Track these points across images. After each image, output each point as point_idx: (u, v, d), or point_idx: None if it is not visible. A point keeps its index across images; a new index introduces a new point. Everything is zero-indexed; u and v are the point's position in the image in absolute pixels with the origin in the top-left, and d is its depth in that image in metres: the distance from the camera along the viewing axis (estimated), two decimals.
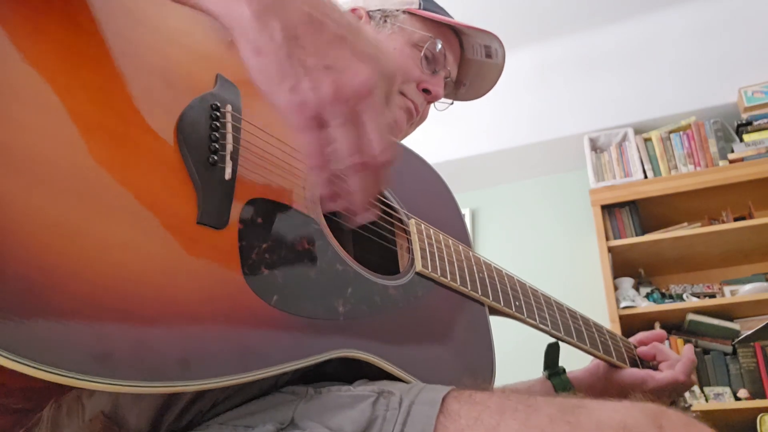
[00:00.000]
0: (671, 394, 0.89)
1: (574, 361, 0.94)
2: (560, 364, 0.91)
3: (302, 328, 0.50)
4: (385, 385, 0.52)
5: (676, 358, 0.89)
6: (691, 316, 2.52)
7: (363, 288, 0.59)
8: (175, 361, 0.40)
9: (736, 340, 2.43)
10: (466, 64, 1.01)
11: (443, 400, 0.48)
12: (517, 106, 3.23)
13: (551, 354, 0.91)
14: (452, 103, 1.05)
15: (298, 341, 0.49)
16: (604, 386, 0.89)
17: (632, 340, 0.96)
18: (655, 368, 0.91)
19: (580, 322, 0.86)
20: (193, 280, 0.45)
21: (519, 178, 3.37)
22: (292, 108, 0.44)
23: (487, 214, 3.36)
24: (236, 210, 0.51)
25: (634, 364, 0.90)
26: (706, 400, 2.36)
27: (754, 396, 2.34)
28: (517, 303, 0.78)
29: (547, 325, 0.79)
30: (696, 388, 2.40)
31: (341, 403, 0.49)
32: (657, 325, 2.56)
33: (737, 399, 2.35)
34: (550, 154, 3.17)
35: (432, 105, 0.98)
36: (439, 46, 0.92)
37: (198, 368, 0.41)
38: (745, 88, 2.72)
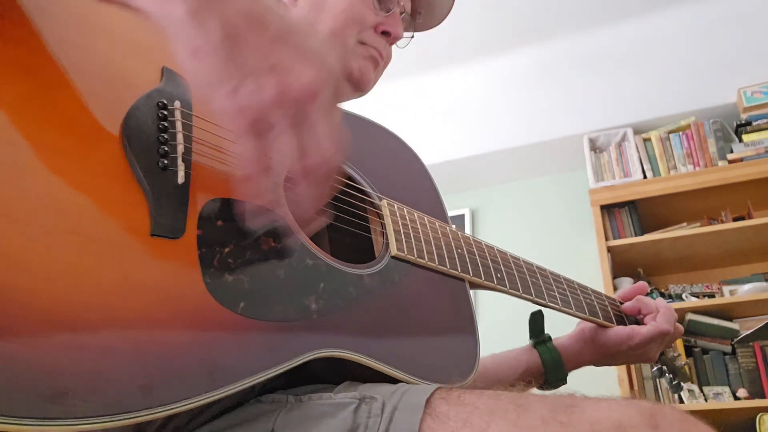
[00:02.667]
0: (659, 346, 0.89)
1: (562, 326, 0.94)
2: (546, 331, 0.91)
3: (273, 334, 0.48)
4: (368, 389, 0.51)
5: (660, 308, 0.89)
6: (690, 316, 2.52)
7: (336, 281, 0.57)
8: (137, 388, 0.37)
9: (736, 340, 2.43)
10: None
11: (430, 401, 0.46)
12: (517, 106, 3.23)
13: (536, 322, 0.90)
14: (413, 37, 0.99)
15: (270, 348, 0.47)
16: (591, 349, 0.89)
17: (616, 296, 0.96)
18: (641, 322, 0.91)
19: (564, 286, 0.85)
20: (151, 299, 0.42)
21: (519, 178, 3.37)
22: (232, 113, 0.41)
23: (487, 214, 3.35)
24: (193, 215, 0.48)
25: (620, 322, 0.89)
26: (706, 400, 2.36)
27: (753, 396, 2.34)
28: (498, 275, 0.76)
29: (531, 294, 0.78)
30: (695, 388, 2.40)
31: (322, 412, 0.48)
32: None
33: (736, 399, 2.35)
34: (550, 154, 3.17)
35: (393, 44, 0.93)
36: None
37: (162, 393, 0.38)
38: (744, 88, 2.72)
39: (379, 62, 0.89)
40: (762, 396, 2.32)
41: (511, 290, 0.76)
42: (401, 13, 0.90)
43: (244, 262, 0.49)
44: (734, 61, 2.82)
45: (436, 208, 0.81)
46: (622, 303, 0.94)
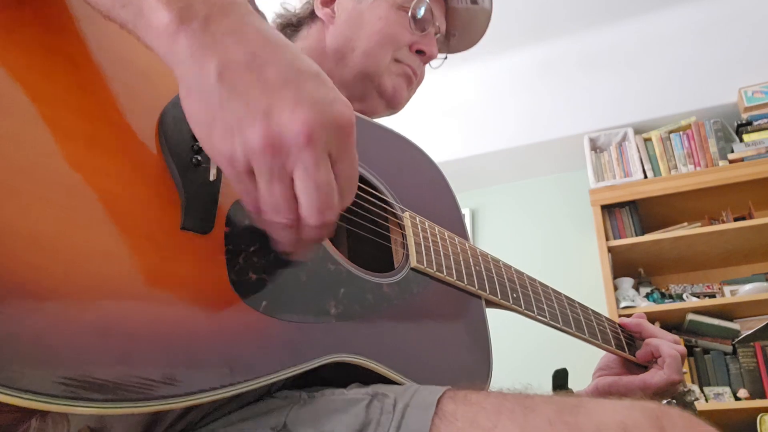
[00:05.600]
0: (670, 392, 0.88)
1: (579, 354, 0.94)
2: (566, 371, 0.90)
3: (293, 334, 0.49)
4: (380, 387, 0.51)
5: (667, 356, 0.87)
6: (691, 316, 2.52)
7: (356, 288, 0.58)
8: (160, 377, 0.38)
9: (736, 340, 2.43)
10: (452, 13, 0.97)
11: (438, 401, 0.46)
12: (517, 106, 3.23)
13: (559, 379, 0.89)
14: (446, 58, 1.02)
15: (289, 348, 0.48)
16: None
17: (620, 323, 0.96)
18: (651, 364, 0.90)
19: (579, 311, 0.85)
20: (178, 291, 0.42)
21: (519, 178, 3.37)
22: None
23: (487, 214, 3.35)
24: (222, 213, 0.49)
25: (631, 348, 0.89)
26: (706, 400, 2.35)
27: (753, 396, 2.33)
28: (514, 295, 0.76)
29: (545, 317, 0.78)
30: (696, 388, 2.40)
31: (335, 407, 0.48)
32: (657, 325, 2.55)
33: (737, 399, 2.34)
34: (550, 154, 3.17)
35: (427, 63, 0.96)
36: (425, 3, 0.89)
37: (185, 384, 0.39)
38: (745, 88, 2.72)
39: (413, 80, 0.92)
40: (763, 396, 2.32)
41: (526, 311, 0.76)
42: (436, 34, 0.93)
43: (268, 263, 0.50)
44: (735, 61, 2.82)
45: (457, 226, 0.82)
46: (633, 336, 0.93)
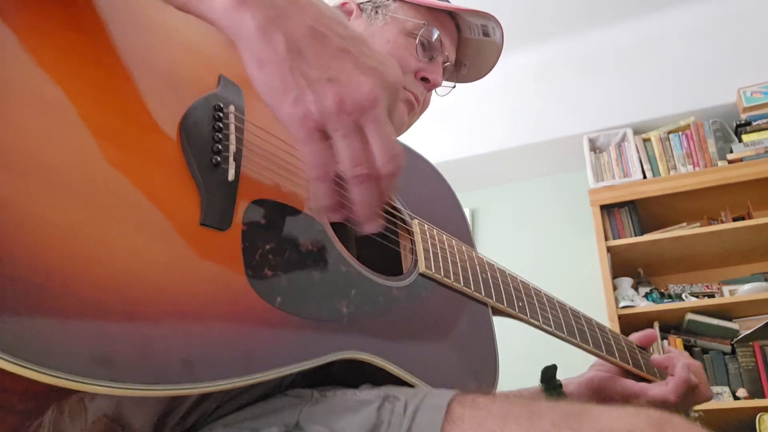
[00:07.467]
0: (674, 407, 0.85)
1: (576, 361, 0.94)
2: (558, 378, 0.90)
3: (306, 330, 0.50)
4: (390, 389, 0.52)
5: (675, 375, 0.83)
6: (690, 316, 2.53)
7: (367, 289, 0.59)
8: (179, 363, 0.40)
9: (735, 340, 2.44)
10: (464, 43, 0.99)
11: (447, 405, 0.47)
12: (517, 106, 3.23)
13: (548, 374, 0.89)
14: (454, 86, 1.04)
15: (302, 343, 0.49)
16: (599, 399, 0.87)
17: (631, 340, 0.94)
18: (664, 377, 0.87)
19: (583, 322, 0.85)
20: (197, 282, 0.44)
21: (519, 178, 3.37)
22: (295, 120, 0.45)
23: (487, 214, 3.36)
24: (240, 211, 0.51)
25: (636, 365, 0.88)
26: None
27: (752, 395, 2.34)
28: (520, 303, 0.77)
29: (550, 326, 0.78)
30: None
31: (346, 407, 0.50)
32: (656, 324, 2.56)
33: (736, 398, 2.35)
34: (550, 154, 3.18)
35: (434, 91, 0.97)
36: (435, 33, 0.90)
37: (202, 370, 0.41)
38: (744, 88, 2.73)
39: (414, 106, 0.93)
40: (762, 396, 2.32)
41: (531, 320, 0.77)
42: (444, 62, 0.94)
43: (284, 261, 0.52)
44: (734, 61, 2.82)
45: (464, 234, 0.83)
46: (642, 348, 0.92)
